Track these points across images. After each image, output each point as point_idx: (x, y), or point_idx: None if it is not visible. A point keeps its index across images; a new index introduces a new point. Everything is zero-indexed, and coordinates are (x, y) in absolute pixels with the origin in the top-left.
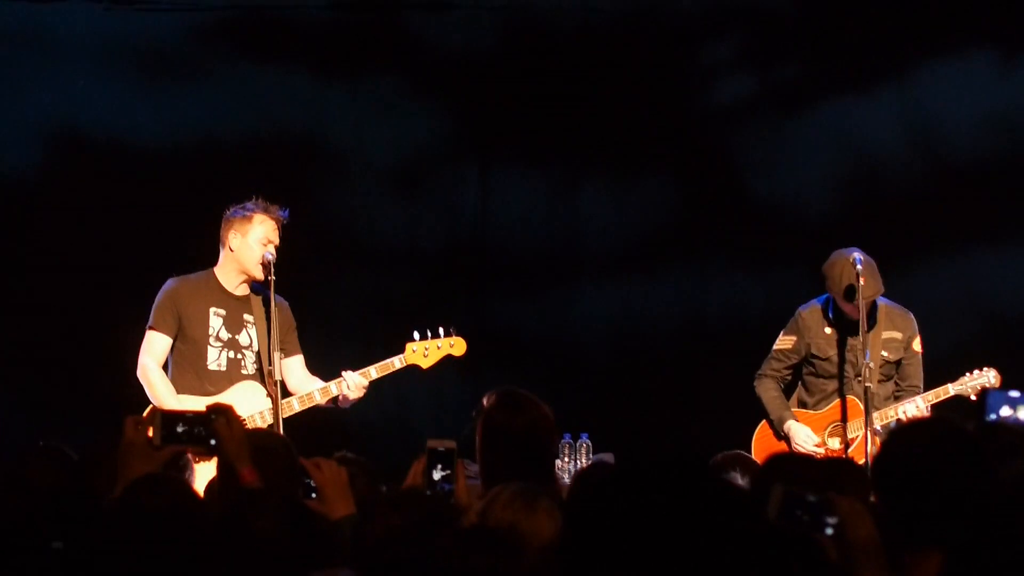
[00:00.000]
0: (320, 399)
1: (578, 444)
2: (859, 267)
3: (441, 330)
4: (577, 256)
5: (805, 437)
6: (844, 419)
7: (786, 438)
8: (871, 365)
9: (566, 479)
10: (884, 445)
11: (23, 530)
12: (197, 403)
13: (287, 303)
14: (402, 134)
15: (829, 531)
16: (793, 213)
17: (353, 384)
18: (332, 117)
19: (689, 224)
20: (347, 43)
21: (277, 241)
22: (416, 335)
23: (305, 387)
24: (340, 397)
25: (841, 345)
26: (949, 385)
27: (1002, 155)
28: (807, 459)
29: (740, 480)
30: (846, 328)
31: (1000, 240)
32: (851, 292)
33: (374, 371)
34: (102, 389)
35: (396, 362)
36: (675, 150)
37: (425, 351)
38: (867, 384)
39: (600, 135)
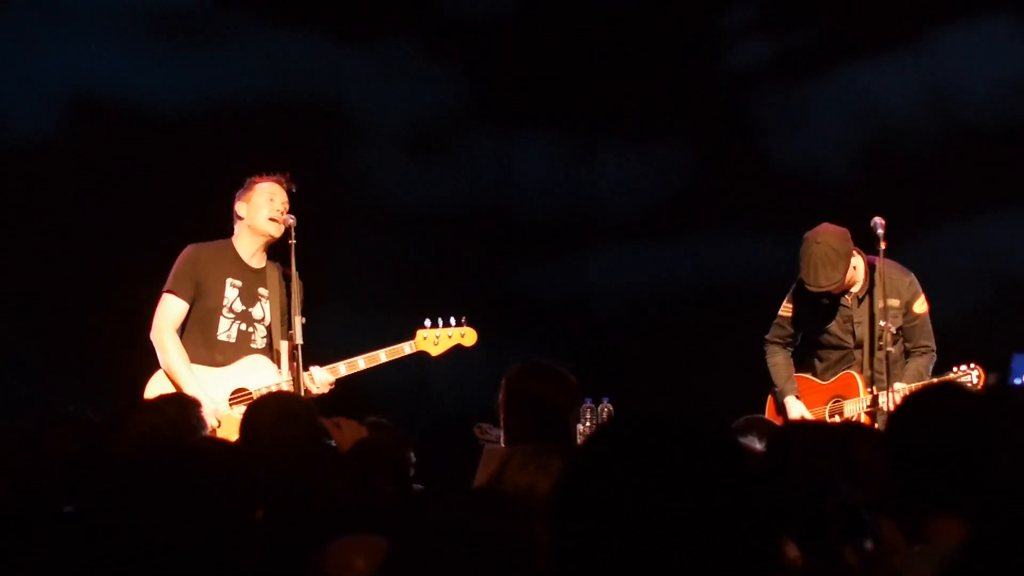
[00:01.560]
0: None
1: (599, 408)
2: (802, 260)
3: (452, 319)
4: (596, 221)
5: (798, 416)
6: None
7: (783, 412)
8: (892, 330)
9: None
10: (897, 411)
11: (39, 494)
12: (206, 373)
13: (302, 283)
14: (421, 98)
15: (867, 545)
16: (811, 177)
17: (320, 381)
18: (350, 81)
19: (708, 188)
20: (365, 6)
21: (284, 198)
22: (427, 321)
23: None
24: (304, 390)
25: (834, 311)
26: (934, 380)
27: (1020, 119)
28: (823, 425)
29: (758, 444)
30: (842, 298)
31: (1018, 204)
32: (803, 285)
33: (383, 355)
34: (119, 355)
35: (406, 348)
36: (694, 114)
37: (436, 339)
38: (889, 349)
39: (619, 99)
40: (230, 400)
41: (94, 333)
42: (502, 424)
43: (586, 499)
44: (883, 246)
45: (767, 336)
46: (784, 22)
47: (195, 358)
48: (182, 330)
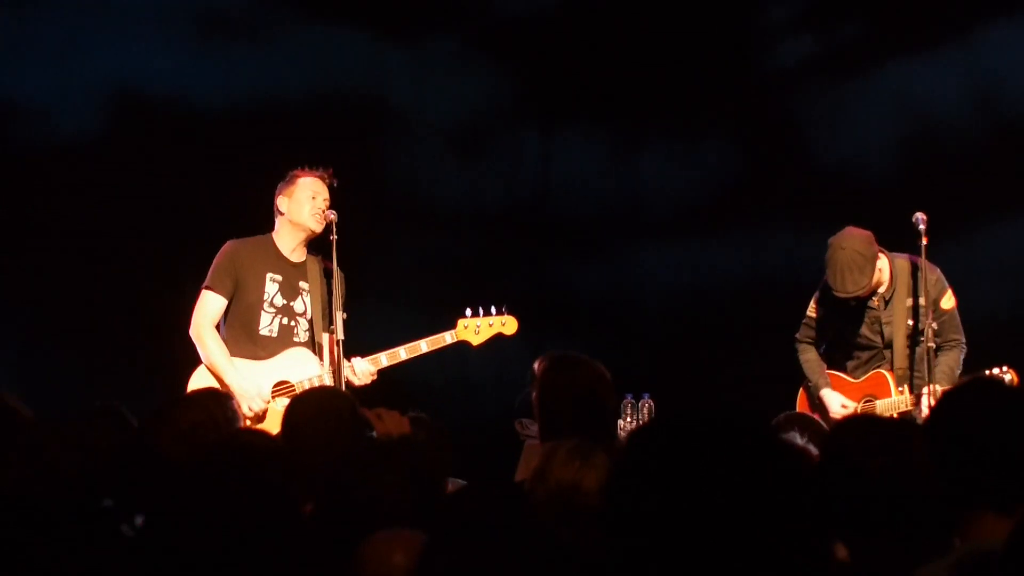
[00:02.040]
0: (346, 375)
1: (640, 404)
2: (828, 266)
3: (493, 308)
4: (638, 217)
5: (839, 407)
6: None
7: (821, 406)
8: (934, 326)
9: None
10: (937, 406)
11: (76, 489)
12: (248, 367)
13: (343, 274)
14: (464, 95)
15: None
16: (854, 175)
17: (361, 372)
18: (394, 77)
19: (750, 185)
20: (410, 2)
21: (326, 195)
22: (468, 311)
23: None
24: (345, 380)
25: (862, 314)
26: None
27: None
28: (880, 420)
29: (799, 440)
30: (869, 300)
31: None
32: (829, 289)
33: (424, 345)
34: (163, 351)
35: (447, 337)
36: (736, 111)
37: (477, 328)
38: (929, 344)
39: (662, 96)
40: (273, 392)
41: (140, 329)
42: (537, 418)
43: (635, 499)
44: (924, 242)
45: (796, 335)
46: (828, 18)
47: (238, 353)
48: (225, 326)
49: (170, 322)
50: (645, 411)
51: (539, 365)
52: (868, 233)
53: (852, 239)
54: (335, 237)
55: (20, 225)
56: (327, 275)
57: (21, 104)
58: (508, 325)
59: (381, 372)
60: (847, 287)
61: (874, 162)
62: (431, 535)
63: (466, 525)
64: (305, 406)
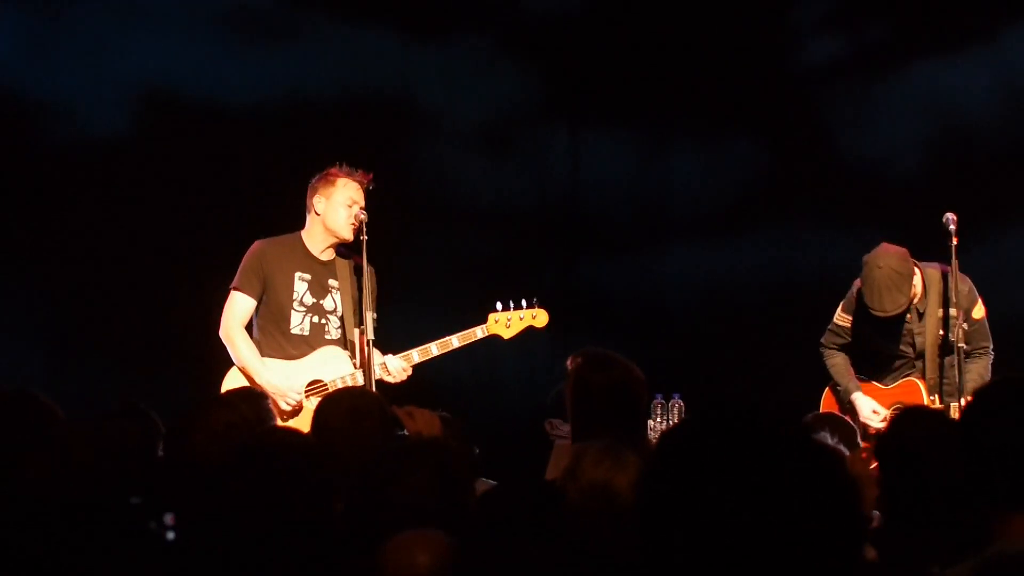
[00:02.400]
0: (380, 374)
1: (670, 404)
2: (865, 285)
3: (524, 301)
4: (667, 216)
5: (870, 412)
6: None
7: (851, 410)
8: (964, 326)
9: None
10: (968, 406)
11: (107, 488)
12: (281, 366)
13: (373, 269)
14: (492, 94)
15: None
16: (883, 174)
17: (394, 369)
18: (421, 77)
19: (779, 184)
20: (438, 2)
21: (362, 203)
22: (499, 305)
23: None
24: (378, 379)
25: (897, 327)
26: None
27: None
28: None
29: (830, 440)
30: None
31: None
32: (865, 307)
33: (455, 340)
34: (195, 353)
35: (478, 332)
36: (765, 111)
37: (508, 321)
38: (960, 344)
39: (690, 95)
40: (306, 391)
41: (170, 329)
42: (569, 416)
43: (668, 499)
44: (955, 242)
45: (822, 340)
46: (857, 18)
47: (270, 353)
48: (257, 327)
49: (203, 323)
50: (675, 411)
51: (572, 362)
52: (903, 250)
53: (888, 257)
54: (365, 237)
55: (50, 224)
56: (357, 272)
57: (52, 103)
58: (539, 318)
59: (413, 366)
60: (885, 307)
61: (902, 161)
62: (466, 535)
63: (501, 525)
64: (335, 406)
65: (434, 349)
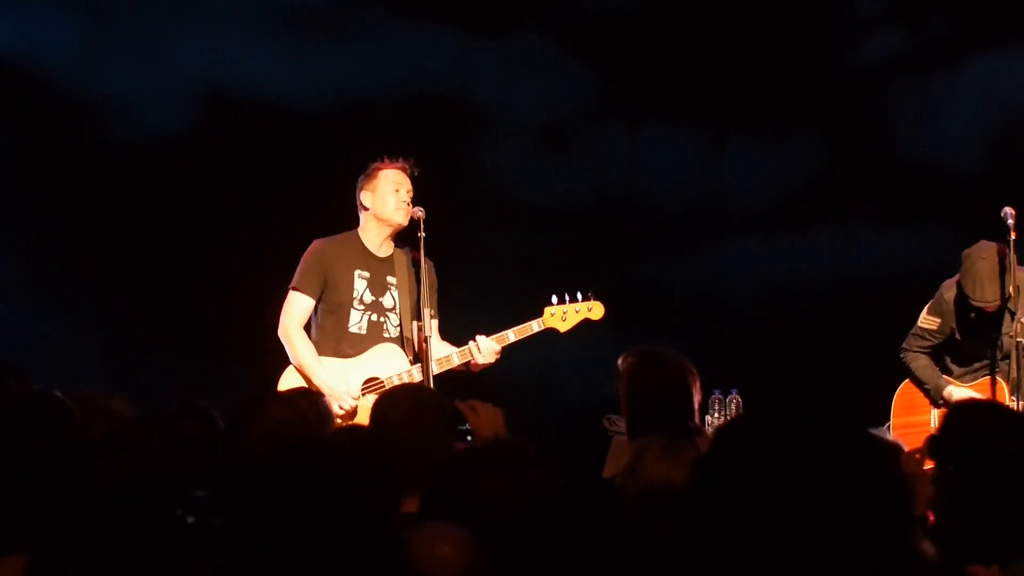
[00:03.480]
0: (458, 361)
1: (728, 399)
2: (967, 277)
3: (579, 294)
4: (725, 213)
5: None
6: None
7: (947, 405)
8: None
9: None
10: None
11: (162, 482)
12: (338, 365)
13: (432, 263)
14: (550, 91)
15: None
16: (943, 170)
17: (485, 349)
18: (480, 74)
19: (837, 180)
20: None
21: (408, 186)
22: (554, 298)
23: (438, 351)
24: (471, 362)
25: (987, 328)
26: None
27: None
28: (997, 405)
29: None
30: (990, 313)
31: None
32: (966, 298)
33: (512, 335)
34: (253, 350)
35: (534, 325)
36: (823, 106)
37: (564, 315)
38: (1020, 339)
39: (748, 91)
40: (363, 390)
41: (229, 327)
42: (624, 414)
43: (722, 495)
44: (1013, 236)
45: (904, 345)
46: (915, 13)
47: (328, 352)
48: (316, 326)
49: (260, 321)
50: (733, 407)
51: (623, 361)
52: (1002, 246)
53: (991, 250)
54: (423, 234)
55: (109, 222)
56: (415, 267)
57: (111, 101)
58: (595, 310)
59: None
60: (987, 296)
61: (962, 157)
62: (529, 533)
63: (566, 524)
64: (394, 401)
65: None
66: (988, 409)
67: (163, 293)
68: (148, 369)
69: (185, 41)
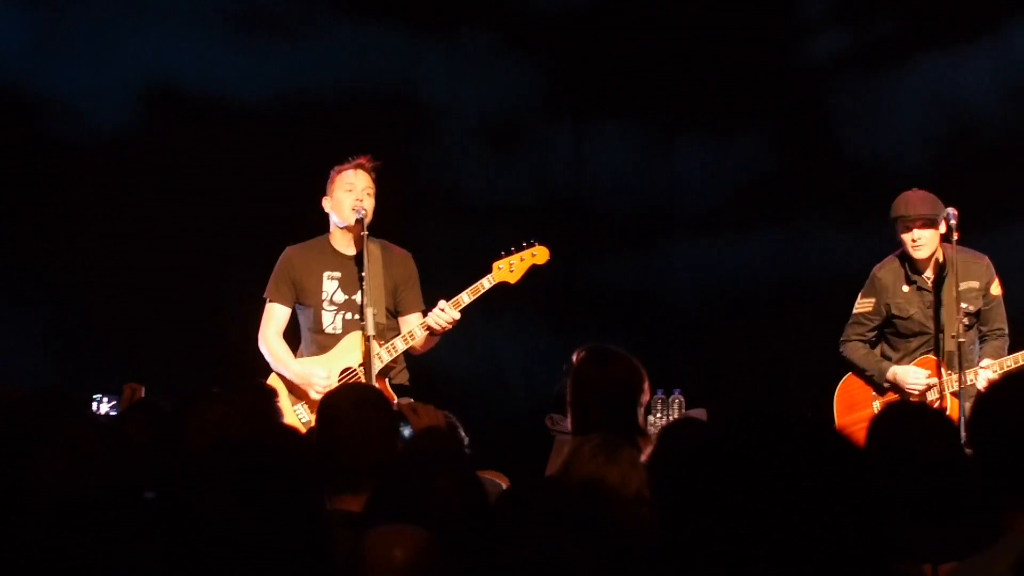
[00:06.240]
0: (420, 334)
1: (670, 399)
2: (897, 200)
3: (524, 243)
4: (671, 212)
5: (915, 377)
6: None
7: (894, 387)
8: (964, 321)
9: None
10: (980, 399)
11: (122, 483)
12: (311, 362)
13: (409, 254)
14: (496, 89)
15: None
16: (888, 169)
17: (441, 313)
18: (426, 72)
19: (784, 180)
20: None
21: (363, 184)
22: (502, 253)
23: (403, 331)
24: (431, 330)
25: (921, 301)
26: (1019, 354)
27: None
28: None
29: None
30: (923, 284)
31: None
32: (895, 220)
33: (466, 296)
34: (204, 346)
35: (485, 283)
36: (770, 105)
37: (511, 266)
38: (960, 340)
39: (695, 90)
40: (339, 380)
41: (174, 321)
42: (569, 410)
43: (700, 498)
44: (956, 237)
45: (842, 338)
46: (862, 13)
47: (308, 352)
48: (301, 331)
49: (204, 313)
50: (675, 407)
51: (576, 356)
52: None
53: (921, 190)
54: (365, 233)
55: (55, 221)
56: (387, 260)
57: (56, 99)
58: (539, 255)
59: (410, 366)
60: (919, 210)
61: (908, 157)
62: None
63: (515, 525)
64: (337, 400)
65: (444, 305)
66: (914, 413)
67: (109, 290)
68: (95, 368)
69: (132, 39)
